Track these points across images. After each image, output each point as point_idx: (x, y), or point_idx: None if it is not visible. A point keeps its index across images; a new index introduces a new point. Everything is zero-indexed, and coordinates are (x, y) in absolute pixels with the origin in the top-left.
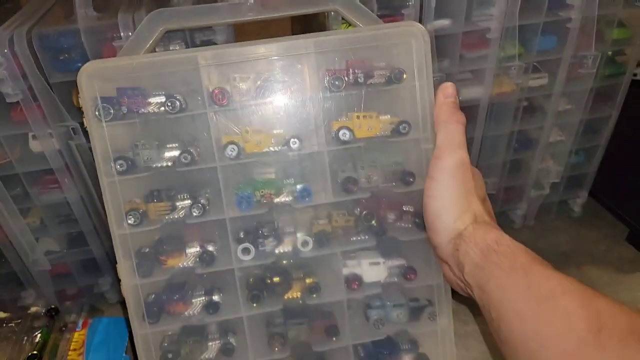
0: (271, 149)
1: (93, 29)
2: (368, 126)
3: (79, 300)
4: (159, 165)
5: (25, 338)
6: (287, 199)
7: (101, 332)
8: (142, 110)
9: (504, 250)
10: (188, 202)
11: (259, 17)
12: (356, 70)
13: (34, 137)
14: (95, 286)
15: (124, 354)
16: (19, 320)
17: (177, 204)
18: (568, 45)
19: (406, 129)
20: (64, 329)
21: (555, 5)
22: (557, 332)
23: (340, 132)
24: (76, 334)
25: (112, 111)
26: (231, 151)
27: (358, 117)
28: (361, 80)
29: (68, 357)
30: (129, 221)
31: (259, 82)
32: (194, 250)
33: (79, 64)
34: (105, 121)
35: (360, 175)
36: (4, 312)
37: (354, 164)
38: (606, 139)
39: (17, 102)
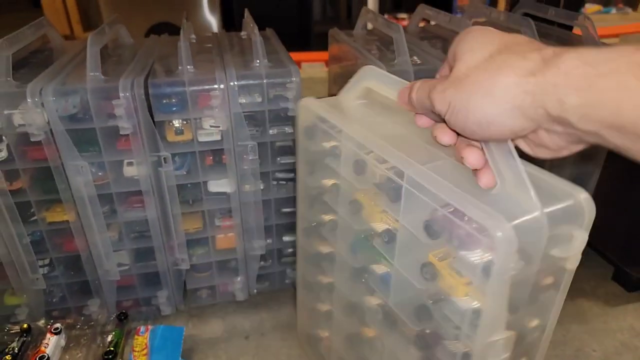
0: None
1: (100, 88)
2: None
3: (137, 310)
4: None
5: (99, 339)
6: None
7: (160, 337)
8: None
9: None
10: None
11: None
12: None
13: (128, 163)
14: (153, 298)
15: (179, 358)
16: (92, 323)
17: None
18: None
19: None
20: (128, 333)
21: None
22: None
23: None
24: (140, 338)
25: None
26: None
27: None
28: None
29: (134, 357)
30: None
31: None
32: None
33: (175, 108)
34: None
35: None
36: (70, 318)
37: None
38: (591, 191)
39: (123, 134)
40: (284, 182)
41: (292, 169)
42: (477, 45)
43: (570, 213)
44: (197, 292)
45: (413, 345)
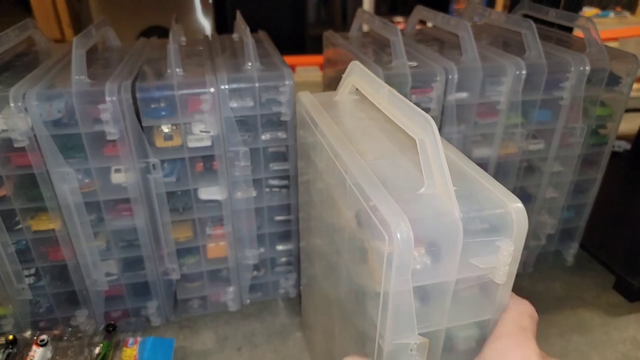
0: None
1: (85, 92)
2: None
3: (125, 321)
4: None
5: (87, 351)
6: None
7: (150, 349)
8: None
9: None
10: None
11: None
12: None
13: (116, 170)
14: (143, 309)
15: None
16: (79, 335)
17: None
18: (560, 118)
19: None
20: (116, 345)
21: (550, 86)
22: None
23: None
24: (129, 350)
25: None
26: None
27: None
28: None
29: None
30: None
31: None
32: None
33: (164, 112)
34: None
35: None
36: (57, 329)
37: None
38: (593, 198)
39: (110, 140)
40: (278, 189)
41: (286, 175)
42: None
43: (498, 222)
44: (188, 302)
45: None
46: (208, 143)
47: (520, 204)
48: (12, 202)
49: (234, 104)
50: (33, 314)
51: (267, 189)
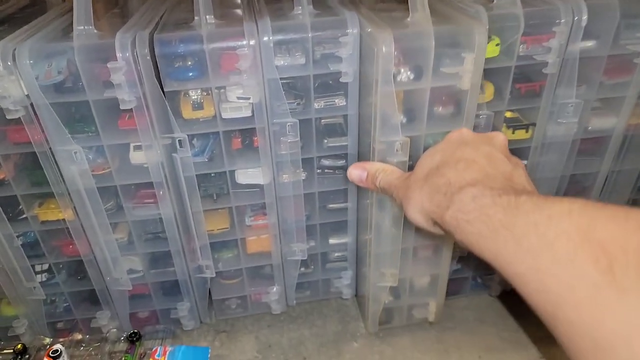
0: None
1: (90, 47)
2: None
3: (152, 325)
4: None
5: None
6: None
7: None
8: None
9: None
10: None
11: None
12: None
13: (135, 147)
14: (173, 311)
15: None
16: (98, 344)
17: None
18: None
19: None
20: (142, 356)
21: None
22: (568, 285)
23: None
24: None
25: None
26: None
27: None
28: None
29: None
30: None
31: None
32: None
33: (192, 74)
34: None
35: None
36: (78, 332)
37: None
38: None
39: (125, 110)
40: (332, 171)
41: (343, 154)
42: (425, 162)
43: (463, 39)
44: (225, 302)
45: None
46: (247, 113)
47: (482, 25)
48: (12, 188)
49: (279, 62)
50: (49, 315)
51: (319, 171)
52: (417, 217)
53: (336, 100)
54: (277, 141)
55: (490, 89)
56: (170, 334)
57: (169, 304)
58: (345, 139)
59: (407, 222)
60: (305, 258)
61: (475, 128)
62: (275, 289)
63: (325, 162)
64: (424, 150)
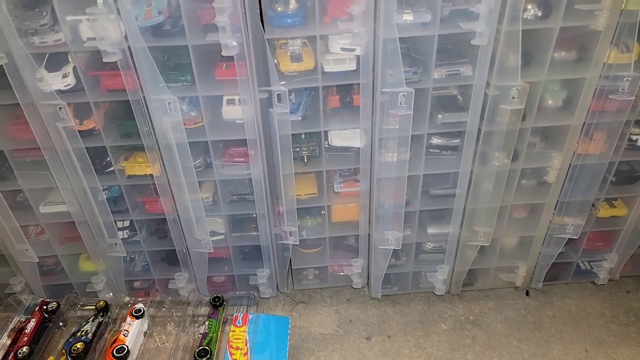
0: None
1: None
2: None
3: (228, 290)
4: None
5: (190, 328)
6: None
7: (262, 332)
8: None
9: None
10: None
11: None
12: None
13: (228, 102)
14: (252, 277)
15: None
16: (180, 306)
17: None
18: None
19: None
20: (224, 321)
21: None
22: None
23: None
24: (237, 330)
25: None
26: None
27: None
28: None
29: (232, 357)
30: None
31: None
32: None
33: (291, 20)
34: None
35: None
36: (155, 293)
37: None
38: None
39: (224, 59)
40: (440, 152)
41: (458, 132)
42: None
43: None
44: (304, 272)
45: None
46: (351, 66)
47: None
48: (102, 138)
49: (401, 18)
50: (127, 273)
51: (428, 151)
52: None
53: (461, 69)
54: (384, 114)
55: (638, 48)
56: (253, 301)
57: (248, 270)
58: (464, 115)
59: (508, 180)
60: (399, 248)
61: (614, 92)
62: (359, 261)
63: (436, 141)
64: (541, 99)
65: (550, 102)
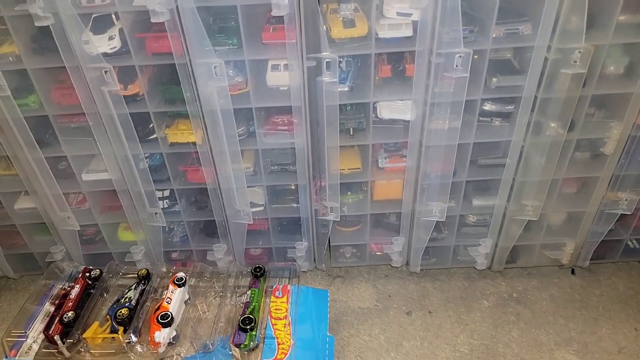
0: None
1: None
2: None
3: (266, 262)
4: None
5: (231, 297)
6: None
7: (303, 303)
8: None
9: None
10: None
11: None
12: None
13: (273, 67)
14: (290, 250)
15: (327, 333)
16: (222, 275)
17: None
18: None
19: None
20: (265, 292)
21: None
22: None
23: None
24: (278, 301)
25: None
26: None
27: None
28: None
29: (274, 327)
30: None
31: None
32: None
33: None
34: None
35: None
36: (192, 264)
37: None
38: None
39: (273, 20)
40: (491, 120)
41: (512, 98)
42: None
43: None
44: (341, 250)
45: None
46: (408, 32)
47: None
48: (146, 104)
49: None
50: (165, 244)
51: (480, 118)
52: None
53: (520, 28)
54: (438, 74)
55: None
56: (294, 273)
57: (286, 243)
58: (521, 79)
59: (562, 151)
60: (443, 219)
61: None
62: (399, 239)
63: (489, 108)
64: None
65: (612, 68)
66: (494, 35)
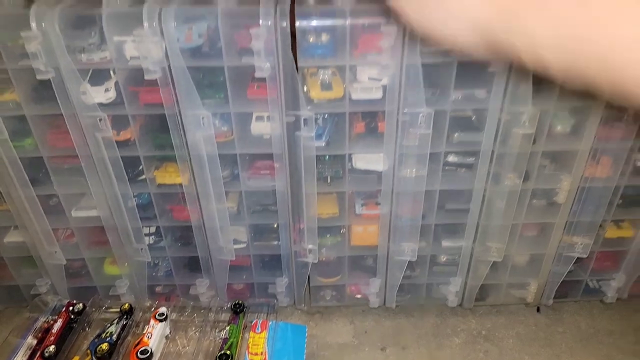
0: None
1: (234, 13)
2: None
3: (246, 298)
4: None
5: (211, 332)
6: None
7: (280, 338)
8: None
9: None
10: None
11: None
12: None
13: (257, 118)
14: (270, 285)
15: None
16: (202, 310)
17: None
18: None
19: None
20: (244, 328)
21: None
22: None
23: None
24: (256, 337)
25: None
26: None
27: None
28: None
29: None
30: None
31: None
32: None
33: (322, 51)
34: None
35: None
36: (175, 298)
37: None
38: None
39: (256, 80)
40: (455, 169)
41: (473, 151)
42: None
43: None
44: (321, 293)
45: None
46: (377, 95)
47: None
48: (137, 148)
49: (423, 49)
50: (150, 278)
51: (444, 168)
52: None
53: (476, 92)
54: (404, 131)
55: None
56: (272, 309)
57: (267, 278)
58: (480, 135)
59: (520, 199)
60: (414, 259)
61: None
62: (376, 281)
63: (452, 159)
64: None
65: (559, 127)
66: (452, 98)
